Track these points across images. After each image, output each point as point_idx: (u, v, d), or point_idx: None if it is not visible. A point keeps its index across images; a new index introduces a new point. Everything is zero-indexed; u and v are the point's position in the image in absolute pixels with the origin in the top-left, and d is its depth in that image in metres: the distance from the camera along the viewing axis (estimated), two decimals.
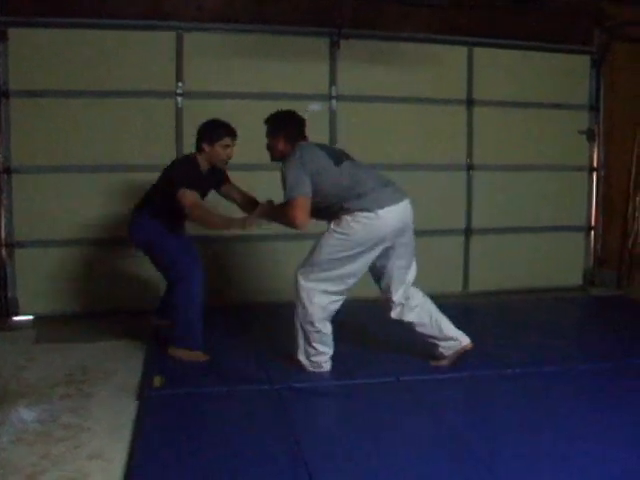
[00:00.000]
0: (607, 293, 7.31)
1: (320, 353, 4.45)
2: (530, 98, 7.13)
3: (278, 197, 4.51)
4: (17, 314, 6.09)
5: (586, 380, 4.41)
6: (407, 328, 4.57)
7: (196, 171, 4.75)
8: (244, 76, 6.40)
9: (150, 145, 6.22)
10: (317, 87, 6.58)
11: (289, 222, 4.32)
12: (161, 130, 6.24)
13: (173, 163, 4.97)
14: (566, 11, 7.16)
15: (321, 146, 4.64)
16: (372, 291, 4.72)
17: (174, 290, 4.75)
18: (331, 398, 4.19)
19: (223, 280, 6.39)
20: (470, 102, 6.98)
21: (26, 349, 5.15)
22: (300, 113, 4.70)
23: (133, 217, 4.95)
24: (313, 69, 6.55)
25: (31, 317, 6.08)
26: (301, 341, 4.46)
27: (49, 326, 5.81)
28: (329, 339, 4.47)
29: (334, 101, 6.60)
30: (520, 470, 3.14)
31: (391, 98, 6.74)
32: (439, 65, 6.87)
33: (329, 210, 4.43)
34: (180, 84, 6.25)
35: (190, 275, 4.67)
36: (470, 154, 7.02)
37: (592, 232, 7.58)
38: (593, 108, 7.42)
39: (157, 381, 4.25)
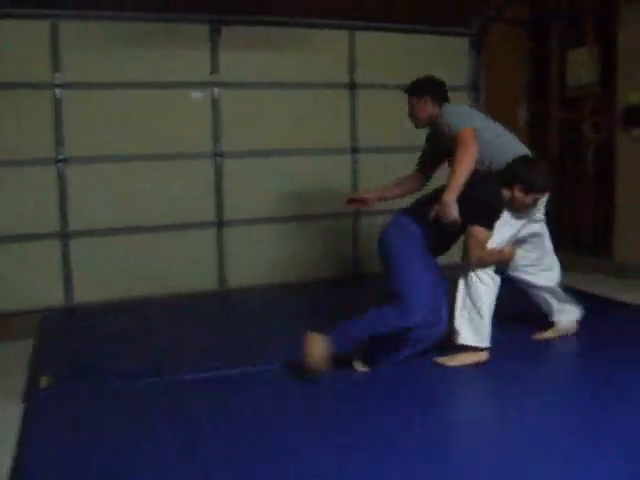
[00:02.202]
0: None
1: None
2: (412, 80, 7.44)
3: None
4: None
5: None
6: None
7: None
8: (124, 65, 6.44)
9: (23, 137, 6.21)
10: (199, 74, 6.71)
11: (465, 156, 4.18)
12: (37, 122, 6.24)
13: None
14: None
15: None
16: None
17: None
18: (229, 387, 4.25)
19: None
20: (352, 86, 7.26)
21: None
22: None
23: None
24: (194, 56, 6.66)
25: None
26: None
27: None
28: None
29: (216, 89, 6.76)
30: None
31: (275, 84, 6.94)
32: (321, 49, 7.11)
33: None
34: (57, 75, 6.29)
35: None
36: (354, 137, 7.32)
37: None
38: (473, 89, 7.84)
39: (44, 381, 4.30)
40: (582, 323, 4.99)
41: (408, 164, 7.33)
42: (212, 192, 6.81)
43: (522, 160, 4.41)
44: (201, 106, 6.70)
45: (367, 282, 7.08)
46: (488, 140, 4.44)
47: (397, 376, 4.28)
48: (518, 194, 4.31)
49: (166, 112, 6.58)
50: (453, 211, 4.17)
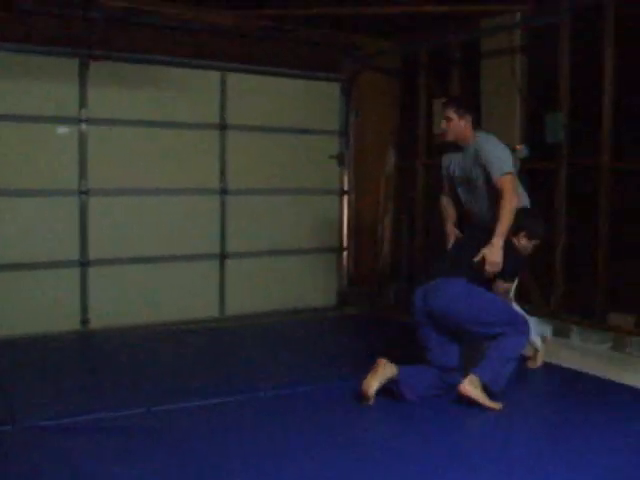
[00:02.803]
0: (359, 311, 7.93)
1: None
2: (284, 123, 7.61)
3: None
4: None
5: (338, 397, 4.78)
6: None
7: None
8: None
9: None
10: (66, 109, 6.62)
11: (511, 203, 4.79)
12: None
13: None
14: (317, 40, 7.72)
15: None
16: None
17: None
18: (83, 436, 4.15)
19: None
20: (223, 127, 7.31)
21: None
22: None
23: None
24: (62, 91, 6.59)
25: None
26: None
27: None
28: None
29: (84, 124, 6.68)
30: None
31: (144, 122, 6.92)
32: (193, 89, 7.16)
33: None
34: None
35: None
36: (224, 179, 7.35)
37: (345, 253, 8.19)
38: (343, 133, 8.05)
39: None
40: None
41: (276, 206, 7.55)
42: (77, 230, 6.68)
43: (524, 210, 5.02)
44: (67, 142, 6.60)
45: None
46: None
47: None
48: (523, 240, 4.88)
49: (31, 147, 6.48)
50: (499, 256, 4.71)
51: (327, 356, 6.00)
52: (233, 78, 7.35)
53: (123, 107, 6.84)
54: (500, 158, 4.94)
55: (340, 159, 8.03)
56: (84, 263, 6.73)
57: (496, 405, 4.52)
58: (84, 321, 6.75)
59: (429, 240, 8.00)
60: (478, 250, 4.75)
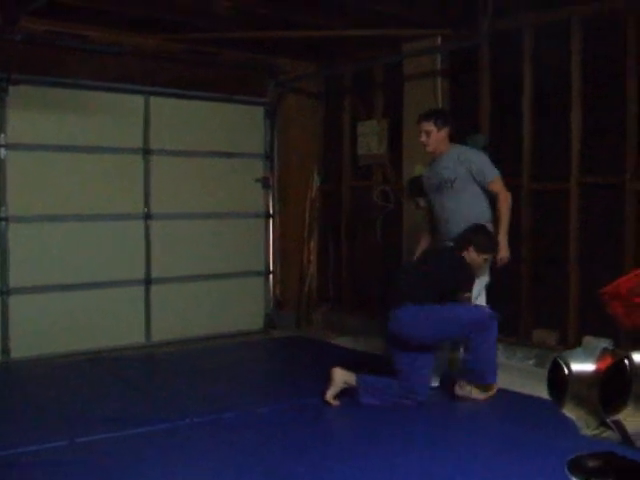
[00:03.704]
0: (287, 334, 7.96)
1: None
2: (208, 147, 7.63)
3: None
4: None
5: (266, 423, 4.83)
6: None
7: None
8: None
9: None
10: None
11: (509, 202, 5.44)
12: None
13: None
14: (241, 64, 7.78)
15: None
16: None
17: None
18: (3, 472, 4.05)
19: None
20: (147, 151, 7.27)
21: None
22: None
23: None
24: None
25: None
26: None
27: None
28: None
29: (3, 149, 6.56)
30: None
31: (67, 147, 6.84)
32: (116, 113, 7.13)
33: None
34: None
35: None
36: (147, 203, 7.30)
37: (271, 277, 8.23)
38: (268, 157, 8.11)
39: None
40: None
41: (201, 230, 7.54)
42: None
43: (475, 226, 5.35)
44: None
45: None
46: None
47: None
48: (472, 254, 5.24)
49: None
50: (508, 251, 5.43)
51: (255, 380, 6.04)
52: (157, 102, 7.34)
53: (45, 131, 6.75)
54: (489, 164, 5.50)
55: (265, 182, 8.08)
56: (4, 292, 6.59)
57: (491, 391, 5.23)
58: (4, 351, 6.61)
59: (354, 262, 8.11)
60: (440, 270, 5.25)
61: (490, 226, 5.48)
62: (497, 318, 5.16)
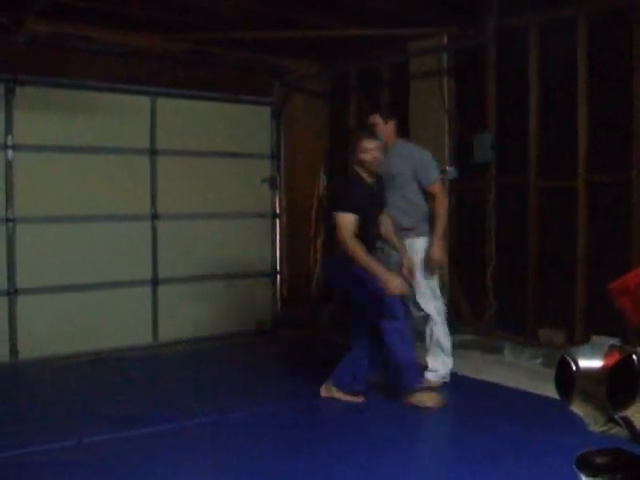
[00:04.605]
0: (294, 334, 7.96)
1: None
2: (214, 147, 7.63)
3: None
4: None
5: (271, 423, 4.85)
6: None
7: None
8: None
9: None
10: None
11: (446, 206, 5.57)
12: None
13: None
14: (246, 64, 7.78)
15: None
16: None
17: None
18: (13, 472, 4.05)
19: None
20: (153, 152, 7.28)
21: None
22: None
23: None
24: None
25: None
26: None
27: None
28: None
29: (10, 151, 6.58)
30: None
31: (73, 148, 6.85)
32: (122, 114, 7.14)
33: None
34: None
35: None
36: (154, 204, 7.31)
37: (278, 276, 8.23)
38: (274, 157, 8.11)
39: None
40: None
41: (208, 230, 7.55)
42: (4, 259, 6.58)
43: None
44: None
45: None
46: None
47: None
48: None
49: None
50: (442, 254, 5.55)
51: (262, 380, 6.04)
52: (163, 103, 7.35)
53: (51, 132, 6.75)
54: (432, 165, 5.61)
55: (272, 182, 8.08)
56: (11, 292, 6.61)
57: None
58: (12, 352, 6.62)
59: None
60: None
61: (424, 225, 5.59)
62: (398, 324, 4.99)
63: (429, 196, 5.58)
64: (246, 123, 7.87)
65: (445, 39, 6.95)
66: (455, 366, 5.74)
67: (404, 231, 5.53)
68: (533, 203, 6.35)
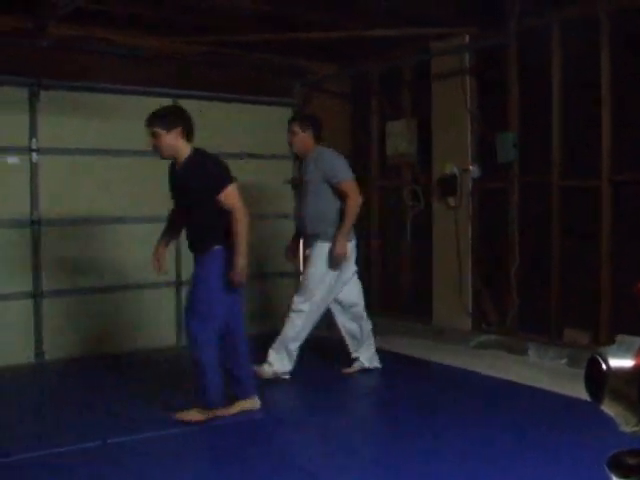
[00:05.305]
0: (316, 335, 7.90)
1: None
2: (236, 149, 7.61)
3: None
4: None
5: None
6: None
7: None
8: None
9: None
10: (16, 139, 6.57)
11: (356, 205, 5.68)
12: None
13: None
14: (267, 65, 7.80)
15: None
16: None
17: None
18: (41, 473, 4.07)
19: None
20: None
21: None
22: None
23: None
24: (12, 120, 6.54)
25: None
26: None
27: None
28: None
29: (35, 154, 6.63)
30: None
31: (96, 150, 6.91)
32: (145, 116, 7.14)
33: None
34: None
35: None
36: None
37: (301, 277, 8.19)
38: (296, 158, 8.10)
39: None
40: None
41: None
42: (29, 261, 6.62)
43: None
44: (18, 172, 6.55)
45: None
46: None
47: None
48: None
49: None
50: (344, 248, 5.65)
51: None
52: (184, 104, 7.30)
53: (75, 136, 6.81)
54: (343, 166, 5.81)
55: (295, 183, 8.08)
56: (37, 294, 6.65)
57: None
58: (38, 353, 6.67)
59: (384, 262, 8.10)
60: None
61: (332, 230, 5.74)
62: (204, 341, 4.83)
63: (343, 196, 5.72)
64: (268, 124, 7.86)
65: (467, 39, 6.93)
66: (478, 366, 5.71)
67: (312, 236, 5.80)
68: (556, 202, 6.32)
